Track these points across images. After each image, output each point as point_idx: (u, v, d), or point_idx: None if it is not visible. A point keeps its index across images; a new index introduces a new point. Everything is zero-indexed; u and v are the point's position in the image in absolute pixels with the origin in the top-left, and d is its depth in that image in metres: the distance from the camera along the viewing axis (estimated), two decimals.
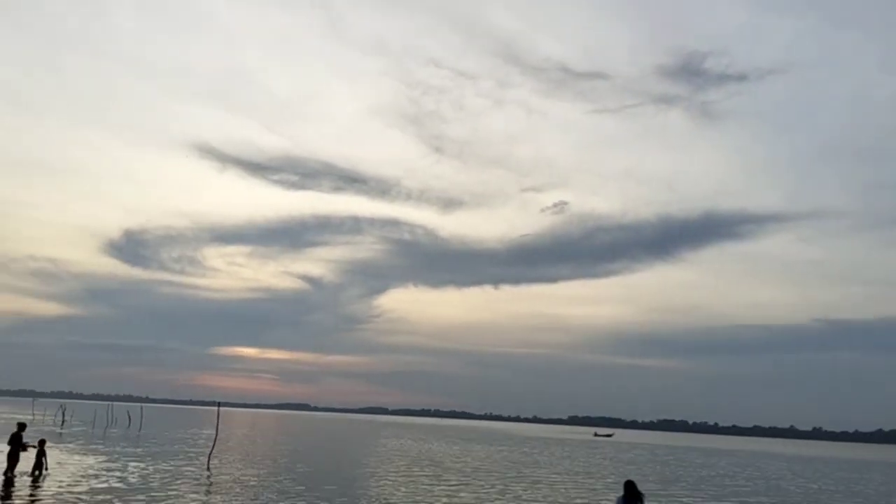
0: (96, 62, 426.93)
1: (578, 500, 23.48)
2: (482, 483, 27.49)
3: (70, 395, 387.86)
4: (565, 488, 27.22)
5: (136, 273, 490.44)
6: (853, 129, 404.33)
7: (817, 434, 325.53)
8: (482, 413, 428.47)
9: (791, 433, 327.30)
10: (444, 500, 21.58)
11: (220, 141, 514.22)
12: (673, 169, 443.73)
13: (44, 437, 24.17)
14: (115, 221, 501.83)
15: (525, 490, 25.84)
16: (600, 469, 40.19)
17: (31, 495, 17.46)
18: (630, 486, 15.23)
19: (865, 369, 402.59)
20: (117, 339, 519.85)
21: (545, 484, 28.76)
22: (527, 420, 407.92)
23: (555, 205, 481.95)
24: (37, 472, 21.47)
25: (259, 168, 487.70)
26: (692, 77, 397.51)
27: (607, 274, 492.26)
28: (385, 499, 20.94)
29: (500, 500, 22.47)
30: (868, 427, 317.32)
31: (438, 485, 25.89)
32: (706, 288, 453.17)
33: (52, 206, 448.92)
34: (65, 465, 25.48)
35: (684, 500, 25.87)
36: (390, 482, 25.89)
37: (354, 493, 21.90)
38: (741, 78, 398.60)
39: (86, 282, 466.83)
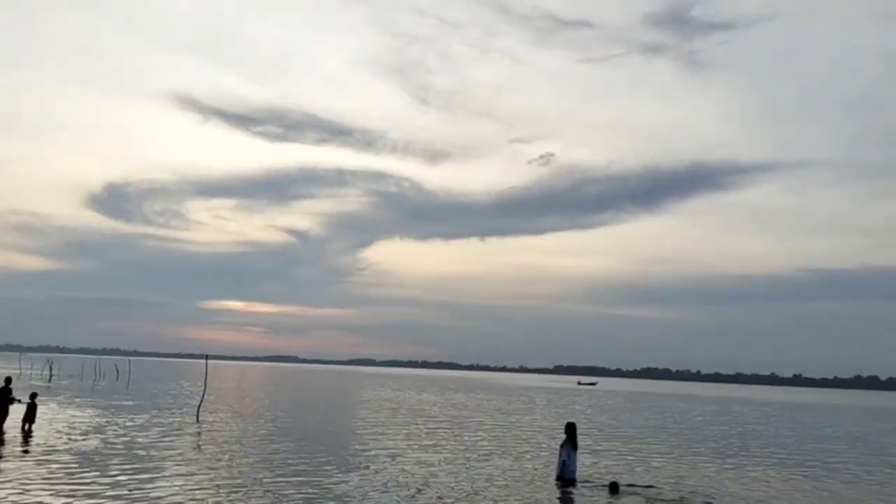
0: (76, 14, 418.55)
1: (536, 442, 24.34)
2: (450, 427, 28.42)
3: (57, 350, 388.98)
4: (532, 432, 28.16)
5: (120, 227, 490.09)
6: (840, 79, 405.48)
7: (798, 381, 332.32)
8: (469, 364, 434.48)
9: (772, 380, 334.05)
10: (406, 441, 22.36)
11: (203, 93, 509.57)
12: (660, 119, 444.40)
13: (35, 391, 24.45)
14: (98, 175, 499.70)
15: (488, 433, 26.82)
16: (575, 415, 41.32)
17: (23, 450, 17.79)
18: (570, 429, 16.09)
19: (846, 318, 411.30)
20: (103, 292, 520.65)
21: (515, 427, 29.78)
22: (513, 370, 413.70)
23: (541, 156, 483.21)
24: (27, 426, 21.76)
25: (242, 120, 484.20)
26: (679, 25, 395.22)
27: (594, 225, 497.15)
28: (360, 443, 21.68)
29: (464, 442, 23.28)
30: (847, 373, 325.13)
31: (411, 430, 26.74)
32: (692, 238, 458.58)
33: (34, 160, 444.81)
34: (53, 419, 25.84)
35: (655, 443, 26.85)
36: (367, 429, 26.72)
37: (334, 440, 22.62)
38: (728, 26, 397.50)
39: (69, 236, 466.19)
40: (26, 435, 20.57)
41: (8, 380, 22.70)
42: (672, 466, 20.23)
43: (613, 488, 15.37)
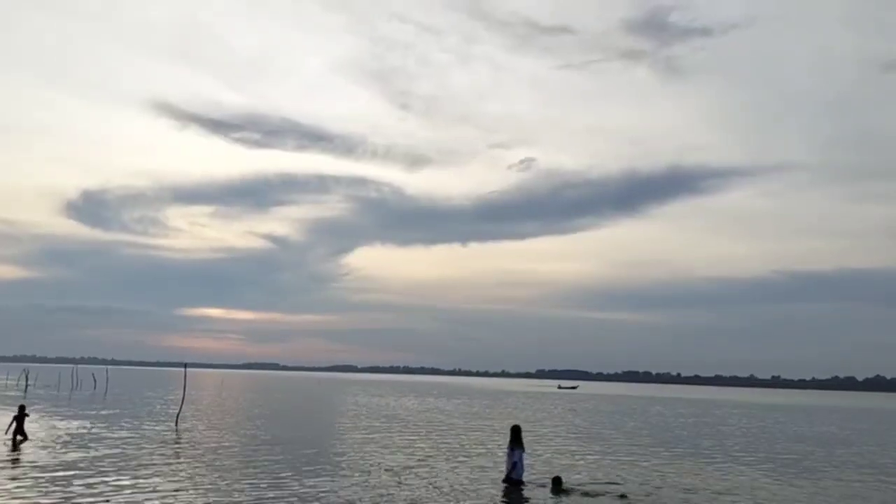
0: (52, 18, 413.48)
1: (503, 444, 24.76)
2: (424, 431, 28.81)
3: (33, 359, 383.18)
4: (503, 435, 28.46)
5: (97, 234, 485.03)
6: (816, 83, 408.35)
7: (776, 382, 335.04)
8: (451, 369, 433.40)
9: (751, 382, 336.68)
10: (380, 445, 22.68)
11: (180, 98, 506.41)
12: (638, 124, 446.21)
13: (23, 404, 23.80)
14: (74, 182, 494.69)
15: (460, 436, 27.21)
16: (549, 418, 41.83)
17: (5, 463, 17.82)
18: (515, 431, 16.51)
19: (823, 319, 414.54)
20: (80, 301, 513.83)
21: (487, 430, 30.08)
22: (496, 375, 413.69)
23: (522, 161, 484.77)
24: (18, 438, 21.44)
25: (220, 126, 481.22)
26: (657, 32, 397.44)
27: (574, 230, 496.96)
28: (336, 449, 21.96)
29: (436, 446, 23.65)
30: (824, 375, 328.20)
31: (385, 435, 27.06)
32: (671, 242, 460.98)
33: (8, 167, 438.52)
34: (30, 431, 25.16)
35: (621, 443, 27.36)
36: (343, 435, 27.04)
37: (311, 446, 22.87)
38: (706, 32, 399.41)
39: (45, 243, 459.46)
40: (14, 447, 20.34)
41: None
42: (628, 466, 20.75)
43: (556, 483, 16.00)
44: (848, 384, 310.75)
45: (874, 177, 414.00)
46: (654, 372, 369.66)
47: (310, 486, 15.26)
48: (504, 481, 16.48)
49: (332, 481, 16.09)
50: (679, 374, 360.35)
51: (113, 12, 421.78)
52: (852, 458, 26.00)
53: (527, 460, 17.32)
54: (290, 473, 16.99)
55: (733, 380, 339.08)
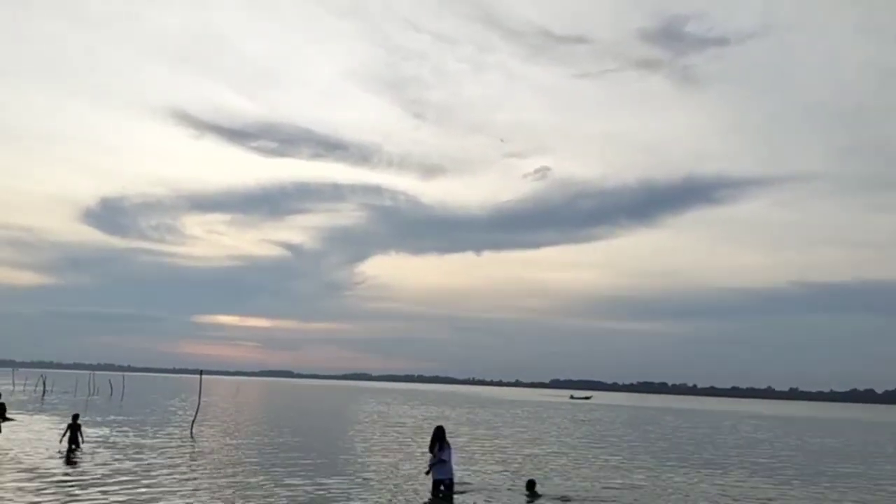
0: (70, 27, 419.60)
1: (495, 451, 25.09)
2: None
3: (51, 365, 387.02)
4: (497, 442, 28.90)
5: (115, 241, 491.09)
6: (832, 93, 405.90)
7: (794, 394, 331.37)
8: (465, 378, 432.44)
9: (768, 394, 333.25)
10: (380, 451, 23.05)
11: (197, 107, 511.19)
12: (654, 134, 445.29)
13: (77, 413, 23.75)
14: (92, 189, 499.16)
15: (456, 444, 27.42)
16: (549, 427, 41.93)
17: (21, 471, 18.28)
18: (438, 431, 16.52)
19: (841, 331, 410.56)
20: (97, 307, 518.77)
21: (482, 438, 30.40)
22: (509, 384, 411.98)
23: (537, 171, 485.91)
24: (73, 447, 21.48)
25: (237, 135, 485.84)
26: (673, 41, 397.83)
27: (589, 239, 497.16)
28: (343, 454, 22.37)
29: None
30: (843, 387, 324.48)
31: (388, 441, 27.43)
32: (687, 252, 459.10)
33: (27, 174, 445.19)
34: (47, 437, 25.64)
35: (625, 451, 27.56)
36: (351, 441, 27.49)
37: (319, 452, 23.31)
38: (722, 42, 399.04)
39: (63, 250, 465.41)
40: (67, 456, 20.42)
41: None
42: (622, 473, 21.01)
43: (530, 486, 16.56)
44: (867, 397, 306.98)
45: (891, 186, 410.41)
46: (669, 383, 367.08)
47: (318, 488, 15.75)
48: (441, 485, 16.03)
49: (318, 484, 16.63)
50: (695, 386, 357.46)
51: (130, 21, 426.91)
52: (860, 472, 26.03)
53: (456, 463, 17.01)
54: (301, 477, 17.47)
55: (750, 391, 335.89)
